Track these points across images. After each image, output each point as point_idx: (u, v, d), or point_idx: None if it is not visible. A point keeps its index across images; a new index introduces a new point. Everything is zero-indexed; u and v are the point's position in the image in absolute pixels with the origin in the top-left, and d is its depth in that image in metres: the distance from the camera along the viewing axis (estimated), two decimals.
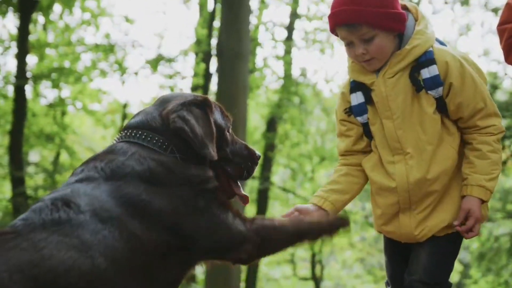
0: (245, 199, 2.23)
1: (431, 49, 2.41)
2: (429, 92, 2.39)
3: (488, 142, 2.40)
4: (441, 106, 2.42)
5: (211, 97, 10.32)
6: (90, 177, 1.87)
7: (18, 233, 1.68)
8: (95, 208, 1.76)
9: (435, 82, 2.38)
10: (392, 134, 2.43)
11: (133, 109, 15.46)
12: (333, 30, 2.45)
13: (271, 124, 14.27)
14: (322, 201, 2.53)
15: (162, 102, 2.12)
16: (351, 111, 2.53)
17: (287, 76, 14.21)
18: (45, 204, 1.76)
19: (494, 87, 11.71)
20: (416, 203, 2.44)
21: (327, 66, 24.35)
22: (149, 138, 2.00)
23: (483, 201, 2.39)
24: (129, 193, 1.83)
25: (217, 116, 2.15)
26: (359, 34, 2.36)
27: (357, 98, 2.50)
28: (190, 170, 1.97)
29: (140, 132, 2.02)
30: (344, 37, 2.40)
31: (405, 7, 2.50)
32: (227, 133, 2.18)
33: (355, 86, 2.51)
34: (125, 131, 2.06)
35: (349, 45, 2.42)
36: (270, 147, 14.29)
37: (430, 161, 2.41)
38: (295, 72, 14.75)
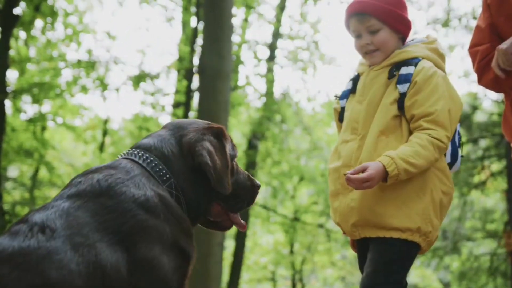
0: (243, 227, 2.25)
1: (421, 58, 2.63)
2: (397, 85, 2.59)
3: (421, 137, 2.47)
4: (402, 102, 2.57)
5: (193, 114, 10.26)
6: (81, 193, 1.78)
7: None
8: (71, 233, 1.66)
9: (406, 78, 2.58)
10: (356, 115, 2.65)
11: (114, 125, 15.40)
12: (347, 22, 2.73)
13: (253, 142, 14.28)
14: None
15: (177, 127, 2.07)
16: (340, 97, 2.83)
17: (269, 94, 14.26)
18: (24, 227, 1.67)
19: (474, 108, 11.87)
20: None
21: (309, 85, 24.46)
22: (153, 164, 1.94)
23: (387, 174, 2.39)
24: (117, 217, 1.74)
25: (228, 146, 2.13)
26: (368, 25, 2.65)
27: (348, 85, 2.80)
28: (181, 223, 1.90)
29: (147, 155, 1.96)
30: (354, 28, 2.70)
31: (427, 36, 2.79)
32: (233, 163, 2.16)
33: (352, 77, 2.81)
34: (134, 150, 2.01)
35: (357, 37, 2.70)
36: (251, 165, 14.28)
37: (372, 147, 2.54)
38: (277, 91, 14.83)
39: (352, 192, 2.54)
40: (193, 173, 1.99)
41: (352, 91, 2.76)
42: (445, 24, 12.57)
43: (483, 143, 12.26)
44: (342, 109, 2.80)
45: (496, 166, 12.48)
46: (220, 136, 2.09)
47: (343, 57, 29.56)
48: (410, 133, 2.56)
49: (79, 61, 12.53)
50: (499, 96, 11.74)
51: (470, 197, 13.07)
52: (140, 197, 1.80)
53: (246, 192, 2.18)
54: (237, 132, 15.15)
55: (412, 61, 2.62)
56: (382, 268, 2.48)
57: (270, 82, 14.30)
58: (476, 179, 12.39)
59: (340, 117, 2.81)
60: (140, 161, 1.94)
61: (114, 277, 1.67)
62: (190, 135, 2.01)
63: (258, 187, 2.23)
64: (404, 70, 2.59)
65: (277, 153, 14.40)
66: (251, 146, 14.37)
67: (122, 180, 1.83)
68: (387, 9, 2.64)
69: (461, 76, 13.71)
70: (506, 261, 11.81)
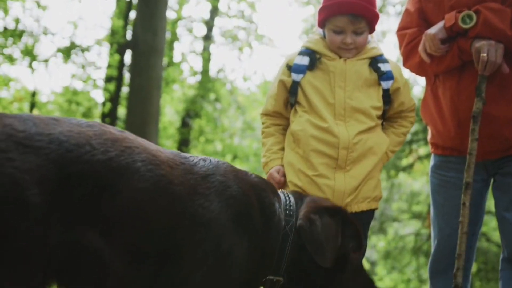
0: None
1: (383, 55, 2.95)
2: (381, 82, 2.89)
3: (407, 126, 3.02)
4: (386, 97, 2.91)
5: (125, 89, 9.94)
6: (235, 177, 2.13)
7: None
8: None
9: (389, 75, 2.90)
10: (341, 101, 2.83)
11: (42, 98, 14.88)
12: (331, 16, 2.84)
13: (186, 120, 14.16)
14: (280, 160, 2.92)
15: (304, 198, 2.31)
16: (291, 68, 2.92)
17: (205, 72, 14.14)
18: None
19: None
20: (350, 165, 2.80)
21: (245, 65, 24.41)
22: (286, 200, 2.23)
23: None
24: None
25: (347, 232, 2.24)
26: (357, 26, 2.83)
27: (302, 60, 2.91)
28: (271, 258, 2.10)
29: (287, 193, 2.28)
30: (341, 25, 2.84)
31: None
32: (353, 257, 2.24)
33: (305, 52, 2.93)
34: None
35: (339, 33, 2.85)
36: (184, 143, 14.18)
37: (365, 133, 2.84)
38: (213, 69, 14.72)
39: (352, 170, 2.81)
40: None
41: (309, 67, 2.89)
42: (380, 10, 12.75)
43: (413, 128, 12.59)
44: (294, 82, 2.90)
45: (423, 150, 12.87)
46: (336, 216, 2.23)
47: (280, 39, 29.63)
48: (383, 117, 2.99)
49: (5, 30, 11.97)
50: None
51: (397, 180, 13.43)
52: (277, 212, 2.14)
53: None
54: (171, 109, 14.97)
55: (382, 58, 2.93)
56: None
57: (205, 60, 14.17)
58: (404, 162, 12.74)
59: (292, 90, 2.91)
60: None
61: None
62: (308, 208, 2.22)
63: None
64: (383, 67, 2.90)
65: (211, 131, 14.34)
66: (185, 124, 14.25)
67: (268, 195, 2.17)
68: (376, 14, 2.86)
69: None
70: (429, 241, 12.26)
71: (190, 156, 2.05)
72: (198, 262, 1.88)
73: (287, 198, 2.22)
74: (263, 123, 3.07)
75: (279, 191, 2.26)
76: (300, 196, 2.30)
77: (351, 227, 2.26)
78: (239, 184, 2.02)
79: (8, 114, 1.77)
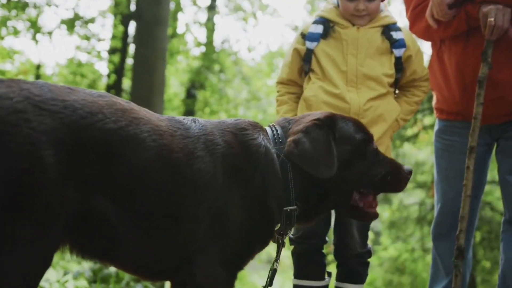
0: (369, 216, 2.28)
1: (397, 24, 3.03)
2: (393, 50, 2.94)
3: (419, 95, 3.07)
4: (398, 65, 2.98)
5: (129, 60, 9.89)
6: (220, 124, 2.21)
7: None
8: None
9: (401, 43, 2.97)
10: (353, 68, 2.91)
11: (47, 70, 14.88)
12: None
13: (191, 91, 14.16)
14: None
15: (291, 121, 2.29)
16: (305, 36, 3.02)
17: (209, 43, 14.09)
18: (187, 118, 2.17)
19: None
20: None
21: (250, 36, 24.28)
22: (274, 132, 2.22)
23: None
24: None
25: (342, 132, 2.20)
26: None
27: (316, 28, 3.01)
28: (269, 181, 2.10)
29: (274, 126, 2.26)
30: None
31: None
32: (361, 148, 2.20)
33: (319, 21, 3.03)
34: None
35: (352, 0, 2.94)
36: (189, 114, 14.21)
37: (376, 100, 2.89)
38: (217, 39, 14.67)
39: None
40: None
41: (322, 35, 2.98)
42: None
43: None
44: (308, 50, 2.99)
45: (428, 120, 12.85)
46: (323, 126, 2.17)
47: (284, 9, 29.34)
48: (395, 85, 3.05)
49: (9, 1, 11.91)
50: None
51: (402, 150, 13.44)
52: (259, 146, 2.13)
53: (386, 174, 2.23)
54: (175, 81, 14.96)
55: (395, 26, 3.01)
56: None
57: (210, 31, 14.11)
58: (409, 132, 12.74)
59: (306, 58, 3.00)
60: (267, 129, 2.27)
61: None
62: (293, 129, 2.20)
63: (407, 172, 2.27)
64: (395, 35, 2.96)
65: (216, 102, 14.36)
66: (190, 95, 14.26)
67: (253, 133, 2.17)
68: None
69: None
70: (433, 210, 12.31)
71: (184, 119, 2.13)
72: (199, 222, 1.97)
73: (273, 129, 2.23)
74: (278, 92, 3.13)
75: (267, 126, 2.27)
76: (286, 121, 2.28)
77: (346, 123, 2.24)
78: (223, 138, 2.08)
79: (24, 80, 1.84)
